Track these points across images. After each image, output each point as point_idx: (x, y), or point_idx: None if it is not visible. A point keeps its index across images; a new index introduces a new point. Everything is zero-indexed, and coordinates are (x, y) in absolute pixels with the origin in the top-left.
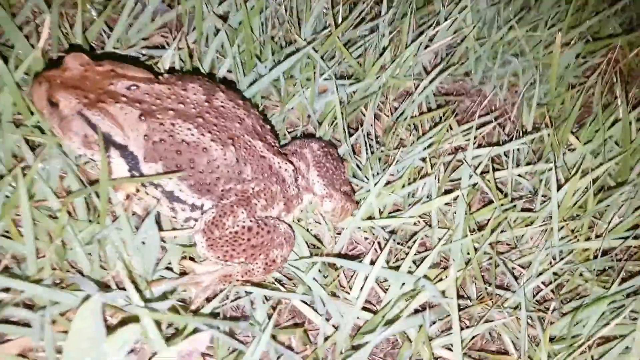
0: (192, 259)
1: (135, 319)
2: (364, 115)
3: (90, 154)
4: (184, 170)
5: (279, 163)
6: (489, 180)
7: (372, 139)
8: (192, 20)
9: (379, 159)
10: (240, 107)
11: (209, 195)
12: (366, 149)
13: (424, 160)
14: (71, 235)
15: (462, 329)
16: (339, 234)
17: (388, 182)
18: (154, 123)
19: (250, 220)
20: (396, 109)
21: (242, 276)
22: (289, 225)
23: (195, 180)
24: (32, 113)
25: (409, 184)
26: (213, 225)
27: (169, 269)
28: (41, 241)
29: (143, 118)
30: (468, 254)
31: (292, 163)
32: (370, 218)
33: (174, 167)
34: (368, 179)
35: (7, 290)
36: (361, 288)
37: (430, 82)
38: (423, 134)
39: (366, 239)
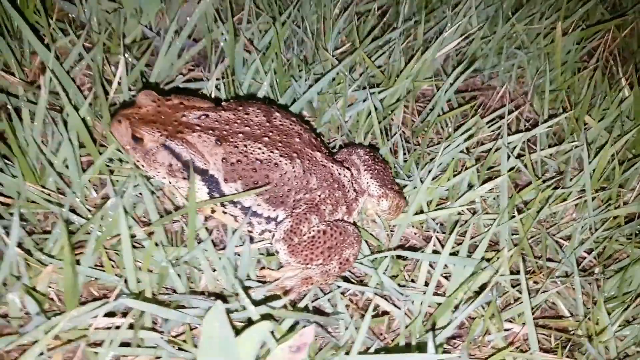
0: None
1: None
2: (392, 119)
3: (175, 182)
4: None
5: (337, 170)
6: (525, 165)
7: (407, 140)
8: (216, 51)
9: (418, 157)
10: (296, 124)
11: (282, 206)
12: (403, 150)
13: (461, 152)
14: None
15: (519, 301)
16: (392, 230)
17: (432, 177)
18: (230, 146)
19: (323, 225)
20: (419, 111)
21: (321, 277)
22: (355, 226)
23: (270, 194)
24: (100, 153)
25: (454, 176)
26: (292, 232)
27: (247, 279)
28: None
29: (219, 143)
30: (515, 233)
31: (349, 169)
32: (417, 213)
33: (252, 184)
34: (409, 177)
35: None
36: (426, 277)
37: (452, 83)
38: (455, 130)
39: (415, 233)
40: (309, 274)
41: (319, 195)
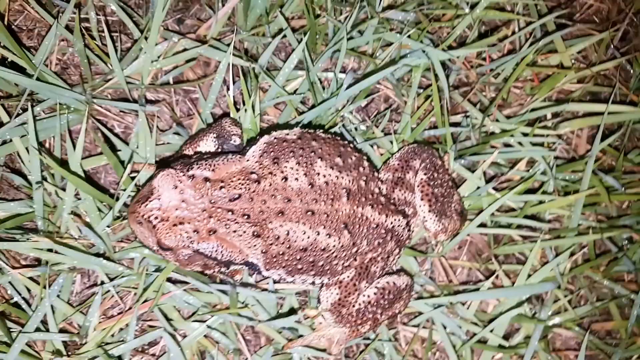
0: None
1: None
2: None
3: (210, 272)
4: (306, 271)
5: (392, 222)
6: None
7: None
8: None
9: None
10: (343, 170)
11: (329, 274)
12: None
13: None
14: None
15: None
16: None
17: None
18: (269, 238)
19: (374, 293)
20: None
21: (370, 329)
22: (407, 274)
23: (315, 271)
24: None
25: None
26: (340, 305)
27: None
28: None
29: (257, 235)
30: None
31: (403, 213)
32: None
33: (295, 269)
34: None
35: None
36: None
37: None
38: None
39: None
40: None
41: (370, 257)
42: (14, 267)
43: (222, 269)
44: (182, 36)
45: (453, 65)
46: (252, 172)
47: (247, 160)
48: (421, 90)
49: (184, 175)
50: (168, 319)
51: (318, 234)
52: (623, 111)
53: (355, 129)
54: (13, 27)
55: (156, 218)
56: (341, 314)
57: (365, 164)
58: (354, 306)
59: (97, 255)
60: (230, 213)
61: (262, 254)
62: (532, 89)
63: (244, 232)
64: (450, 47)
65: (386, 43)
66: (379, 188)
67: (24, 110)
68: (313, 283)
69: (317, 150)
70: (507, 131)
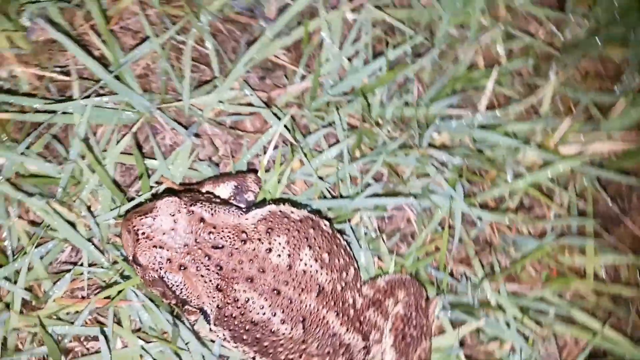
0: None
1: None
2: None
3: (167, 302)
4: (249, 343)
5: (349, 338)
6: None
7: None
8: None
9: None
10: (325, 267)
11: (270, 358)
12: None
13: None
14: None
15: None
16: None
17: None
18: (229, 298)
19: None
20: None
21: None
22: None
23: (258, 348)
24: None
25: None
26: None
27: None
28: None
29: (219, 289)
30: None
31: (365, 335)
32: None
33: (240, 338)
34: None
35: None
36: None
37: None
38: None
39: None
40: None
41: None
42: (20, 217)
43: (178, 304)
44: (254, 92)
45: (479, 221)
46: (243, 231)
47: (246, 219)
48: (440, 229)
49: (185, 207)
50: (119, 324)
51: (274, 314)
52: (619, 341)
53: (365, 233)
54: (122, 23)
55: (143, 234)
56: None
57: (352, 271)
58: None
59: (90, 239)
60: (207, 258)
61: (216, 308)
62: (547, 277)
63: (210, 280)
64: (482, 204)
65: (423, 172)
66: (354, 300)
67: (97, 95)
68: (253, 358)
69: (310, 238)
70: (500, 309)
